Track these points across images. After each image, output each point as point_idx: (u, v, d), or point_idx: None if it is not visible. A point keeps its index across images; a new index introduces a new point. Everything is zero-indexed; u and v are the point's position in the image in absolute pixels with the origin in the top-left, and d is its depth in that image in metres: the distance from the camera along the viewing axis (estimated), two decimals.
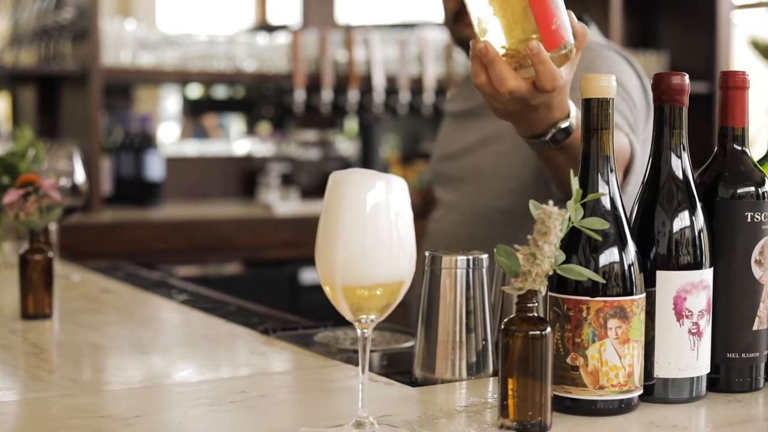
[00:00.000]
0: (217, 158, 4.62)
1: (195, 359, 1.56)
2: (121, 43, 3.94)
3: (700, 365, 1.27)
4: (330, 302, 1.11)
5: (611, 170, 1.23)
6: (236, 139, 4.90)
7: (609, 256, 1.20)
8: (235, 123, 5.00)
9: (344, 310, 1.10)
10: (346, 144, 4.80)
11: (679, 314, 1.25)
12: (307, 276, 3.97)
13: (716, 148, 1.35)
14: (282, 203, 4.20)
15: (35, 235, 1.81)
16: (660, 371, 1.26)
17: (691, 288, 1.25)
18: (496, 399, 1.28)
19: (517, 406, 1.14)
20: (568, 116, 1.51)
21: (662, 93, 1.29)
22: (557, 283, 1.21)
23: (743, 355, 1.31)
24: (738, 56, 5.04)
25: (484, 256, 1.42)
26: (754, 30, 5.26)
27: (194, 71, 4.12)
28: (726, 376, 1.31)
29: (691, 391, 1.27)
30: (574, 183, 1.18)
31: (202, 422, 1.20)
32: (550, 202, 1.10)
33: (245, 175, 4.55)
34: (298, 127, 4.72)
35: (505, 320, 1.15)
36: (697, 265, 1.26)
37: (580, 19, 2.04)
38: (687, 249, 1.26)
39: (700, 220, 1.27)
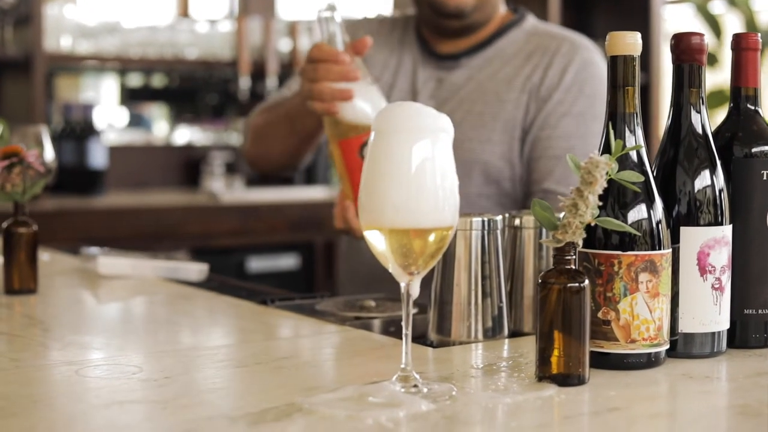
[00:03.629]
0: (158, 147, 4.55)
1: (200, 327, 1.54)
2: (62, 29, 3.86)
3: (722, 320, 1.29)
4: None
5: (637, 125, 1.24)
6: (176, 129, 4.83)
7: (638, 212, 1.21)
8: (174, 112, 4.92)
9: (390, 259, 1.08)
10: None
11: (703, 269, 1.27)
12: (254, 264, 3.95)
13: (730, 107, 1.37)
14: (227, 191, 4.16)
15: (20, 208, 1.76)
16: (684, 326, 1.27)
17: (714, 243, 1.27)
18: (525, 356, 1.29)
19: (556, 360, 1.14)
20: None
21: (681, 53, 1.30)
22: (584, 238, 1.21)
23: (760, 311, 1.33)
24: (667, 50, 5.14)
25: (498, 218, 1.42)
26: (678, 26, 5.37)
27: (136, 58, 4.06)
28: (742, 332, 1.33)
29: (713, 345, 1.28)
30: (612, 135, 1.19)
31: (235, 382, 1.18)
32: (596, 151, 1.11)
33: (186, 165, 4.50)
34: (239, 116, 4.68)
35: (542, 273, 1.15)
36: (717, 223, 1.28)
37: (515, 11, 2.17)
38: (708, 208, 1.27)
39: (720, 178, 1.28)
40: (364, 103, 1.73)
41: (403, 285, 1.10)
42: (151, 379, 1.17)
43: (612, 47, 1.24)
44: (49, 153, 2.18)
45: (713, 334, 1.28)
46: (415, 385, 1.09)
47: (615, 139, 1.21)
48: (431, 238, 1.07)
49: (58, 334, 1.48)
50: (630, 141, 1.23)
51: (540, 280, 1.15)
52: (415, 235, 1.06)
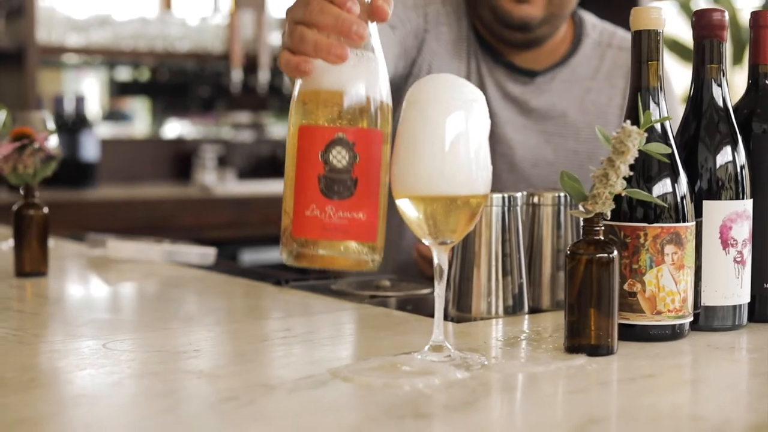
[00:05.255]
0: (148, 141, 4.54)
1: (219, 306, 1.54)
2: (54, 21, 3.85)
3: (744, 293, 1.30)
4: None
5: (661, 98, 1.25)
6: (166, 122, 4.82)
7: (663, 185, 1.22)
8: (164, 105, 4.90)
9: (424, 228, 1.08)
10: (278, 126, 4.76)
11: (725, 243, 1.28)
12: (247, 257, 3.94)
13: (749, 84, 1.38)
14: (219, 184, 4.16)
15: (30, 190, 1.75)
16: (707, 299, 1.28)
17: (736, 217, 1.28)
18: (547, 330, 1.29)
19: (585, 330, 1.14)
20: None
21: (703, 29, 1.31)
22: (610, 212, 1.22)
23: None
24: None
25: (519, 195, 1.42)
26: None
27: (127, 50, 4.05)
28: (761, 306, 1.34)
29: (734, 319, 1.30)
30: (640, 107, 1.19)
31: (264, 354, 1.18)
32: (628, 121, 1.11)
33: (177, 158, 4.49)
34: (230, 109, 4.67)
35: (571, 244, 1.16)
36: (739, 197, 1.29)
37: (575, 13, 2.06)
38: (730, 184, 1.28)
39: (741, 153, 1.29)
40: (356, 82, 1.10)
41: (436, 257, 1.11)
42: (180, 351, 1.17)
43: (636, 22, 1.25)
44: (54, 139, 2.17)
45: (735, 307, 1.29)
46: (449, 355, 1.10)
47: (633, 114, 1.22)
48: (465, 206, 1.07)
49: (77, 313, 1.48)
50: (654, 114, 1.23)
51: (569, 252, 1.15)
52: (449, 203, 1.06)
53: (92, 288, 1.74)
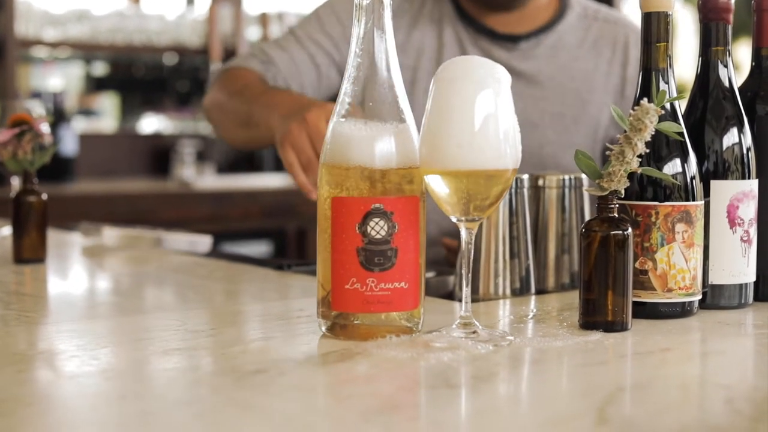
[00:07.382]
0: (125, 136, 4.53)
1: (225, 289, 1.54)
2: (31, 15, 3.83)
3: (750, 272, 1.32)
4: None
5: (671, 78, 1.26)
6: (143, 117, 4.80)
7: (673, 165, 1.24)
8: (141, 100, 4.89)
9: (452, 204, 1.09)
10: None
11: (732, 222, 1.30)
12: (227, 250, 3.94)
13: (752, 66, 1.40)
14: (199, 179, 4.15)
15: (29, 177, 1.75)
16: (714, 278, 1.30)
17: (743, 197, 1.30)
18: (556, 309, 1.31)
19: (600, 307, 1.16)
20: None
21: (709, 11, 1.33)
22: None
23: None
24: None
25: (525, 176, 1.44)
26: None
27: (105, 44, 4.04)
28: (765, 286, 1.36)
29: (741, 297, 1.32)
30: (654, 87, 1.21)
31: (283, 332, 1.18)
32: (645, 99, 1.13)
33: (155, 153, 4.48)
34: None
35: (586, 222, 1.17)
36: (744, 178, 1.31)
37: None
38: (736, 165, 1.30)
39: (747, 136, 1.31)
40: (388, 152, 1.10)
41: (464, 233, 1.12)
42: (198, 330, 1.18)
43: (646, 4, 1.26)
44: (46, 129, 2.16)
45: (741, 285, 1.31)
46: (475, 331, 1.11)
47: (645, 94, 1.24)
48: (493, 182, 1.08)
49: (82, 296, 1.47)
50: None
51: (583, 229, 1.17)
52: (478, 177, 1.07)
53: (92, 273, 1.74)
